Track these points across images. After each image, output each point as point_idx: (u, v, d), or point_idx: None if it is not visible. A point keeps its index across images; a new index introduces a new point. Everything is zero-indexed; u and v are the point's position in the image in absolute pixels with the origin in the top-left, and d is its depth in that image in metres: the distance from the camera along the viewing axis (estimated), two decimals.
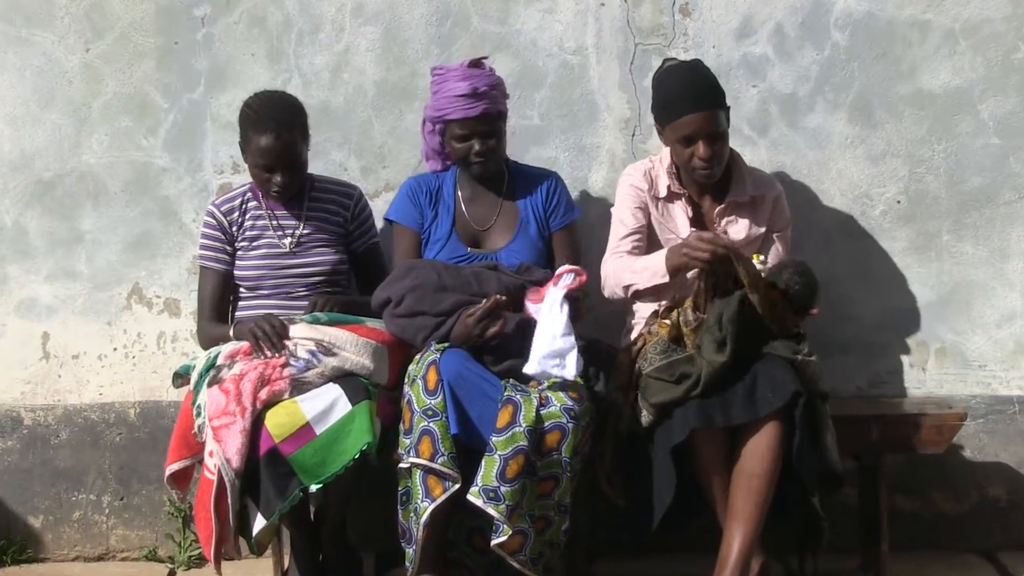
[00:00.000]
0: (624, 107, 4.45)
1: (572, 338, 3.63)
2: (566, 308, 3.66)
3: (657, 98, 3.97)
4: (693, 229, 3.98)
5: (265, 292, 4.10)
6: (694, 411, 3.60)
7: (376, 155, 4.49)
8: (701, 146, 3.86)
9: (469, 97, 3.95)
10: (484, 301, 3.76)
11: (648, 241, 4.03)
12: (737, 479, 3.66)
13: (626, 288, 3.92)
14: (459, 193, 4.13)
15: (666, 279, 3.83)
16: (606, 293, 4.01)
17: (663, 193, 4.03)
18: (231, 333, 3.96)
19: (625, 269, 3.94)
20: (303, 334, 3.80)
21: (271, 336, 3.79)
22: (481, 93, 3.96)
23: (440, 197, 4.13)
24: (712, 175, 3.94)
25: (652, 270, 3.86)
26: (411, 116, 4.46)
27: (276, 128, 3.96)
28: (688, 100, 3.86)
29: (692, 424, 3.60)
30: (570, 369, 3.61)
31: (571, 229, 4.15)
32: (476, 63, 4.04)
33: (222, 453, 3.64)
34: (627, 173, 4.11)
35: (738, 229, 4.03)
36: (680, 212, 4.03)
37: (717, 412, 3.62)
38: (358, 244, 4.18)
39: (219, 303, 4.12)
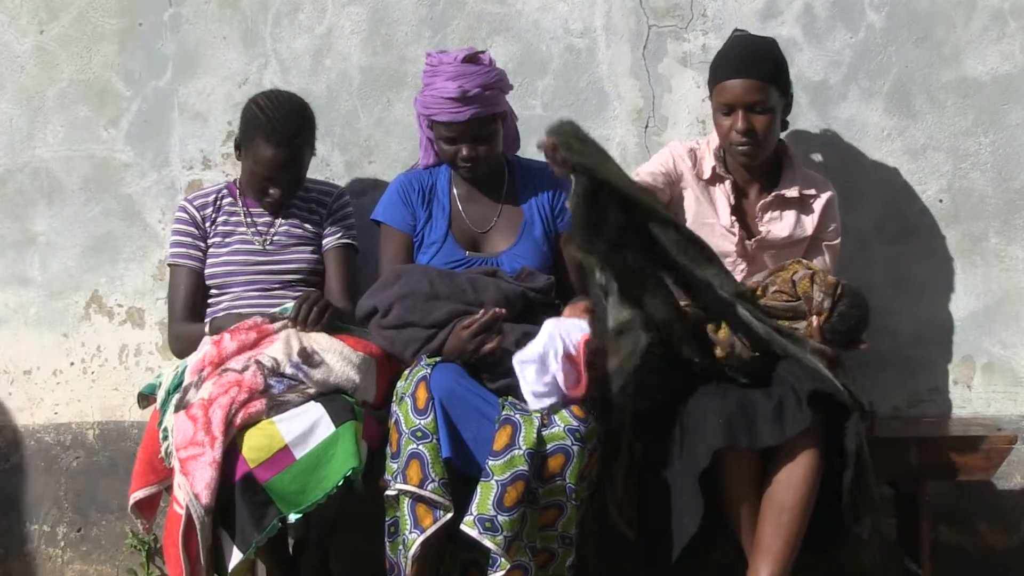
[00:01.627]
0: (636, 96, 4.50)
1: (554, 397, 3.68)
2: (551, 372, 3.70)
3: (712, 63, 4.08)
4: (733, 218, 4.06)
5: (236, 290, 4.15)
6: (718, 431, 3.63)
7: (362, 149, 4.53)
8: (739, 116, 3.94)
9: (457, 101, 3.96)
10: (481, 313, 3.79)
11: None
12: (766, 509, 3.69)
13: None
14: (455, 191, 4.16)
15: None
16: None
17: (707, 174, 4.10)
18: (206, 331, 4.00)
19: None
20: (281, 349, 3.84)
21: (312, 308, 3.89)
22: (472, 96, 3.96)
23: (434, 196, 4.16)
24: (751, 153, 4.00)
25: None
26: (400, 106, 4.50)
27: (288, 142, 4.03)
28: (732, 64, 3.96)
29: (716, 444, 3.62)
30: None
31: None
32: (472, 58, 4.02)
33: (190, 488, 3.66)
34: (671, 146, 4.20)
35: (781, 227, 4.09)
36: (722, 197, 4.10)
37: (743, 432, 3.64)
38: (326, 241, 4.23)
39: (192, 305, 4.16)
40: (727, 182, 4.09)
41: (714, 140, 4.13)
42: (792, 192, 4.08)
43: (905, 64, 4.46)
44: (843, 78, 4.46)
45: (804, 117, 4.47)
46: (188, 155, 4.54)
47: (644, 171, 4.14)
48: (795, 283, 3.80)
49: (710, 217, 4.09)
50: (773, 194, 4.08)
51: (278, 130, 4.02)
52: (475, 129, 4.00)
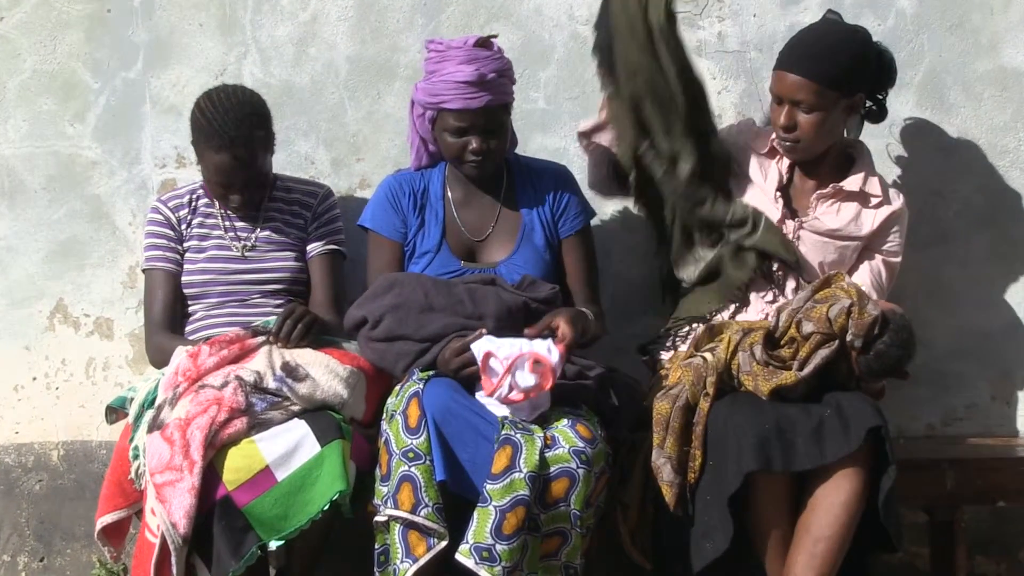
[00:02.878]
0: None
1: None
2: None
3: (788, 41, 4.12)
4: (778, 194, 4.09)
5: (214, 300, 4.16)
6: (750, 452, 3.63)
7: (349, 145, 4.54)
8: (784, 110, 3.98)
9: (473, 85, 3.94)
10: (476, 333, 3.79)
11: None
12: (800, 538, 3.70)
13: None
14: (449, 194, 4.17)
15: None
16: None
17: (764, 149, 4.14)
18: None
19: None
20: (263, 363, 3.85)
21: (297, 324, 3.90)
22: (488, 81, 3.95)
23: (427, 200, 4.16)
24: (792, 149, 4.04)
25: None
26: (391, 99, 4.51)
27: (232, 145, 4.02)
28: (792, 55, 3.99)
29: (748, 467, 3.63)
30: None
31: (584, 235, 4.19)
32: (484, 42, 4.01)
33: (167, 516, 3.66)
34: (751, 118, 4.27)
35: (834, 219, 4.10)
36: (773, 172, 4.13)
37: (777, 453, 3.64)
38: (312, 247, 4.23)
39: (171, 311, 4.17)
40: (783, 160, 4.13)
41: None
42: (853, 186, 4.10)
43: (938, 53, 4.47)
44: None
45: None
46: (161, 152, 4.55)
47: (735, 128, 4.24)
48: (831, 320, 3.78)
49: (755, 186, 4.12)
50: (833, 186, 4.10)
51: (221, 134, 4.00)
52: (487, 119, 3.98)
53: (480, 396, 3.77)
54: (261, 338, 3.95)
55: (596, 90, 4.46)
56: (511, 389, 3.70)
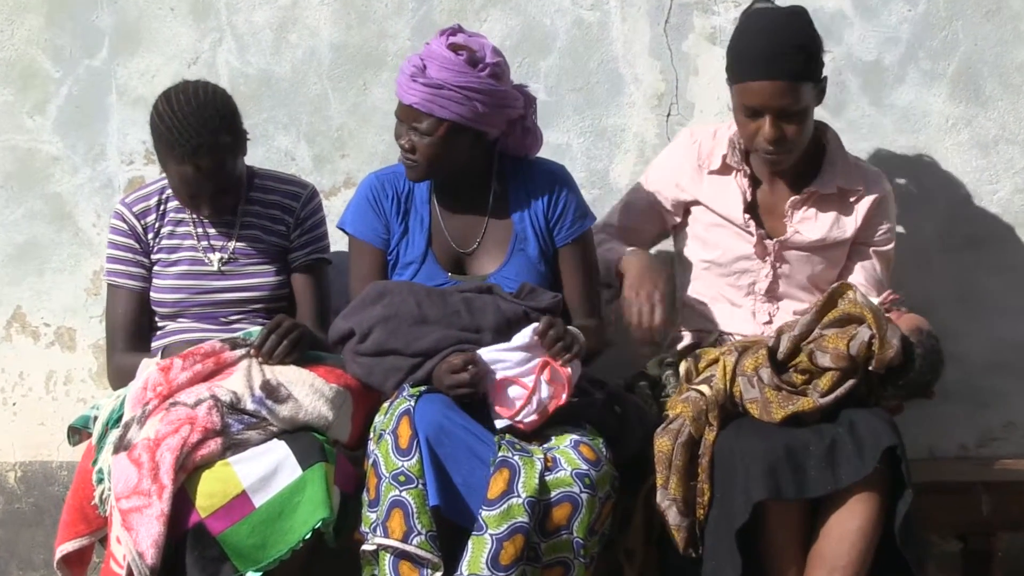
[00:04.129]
0: (656, 78, 4.51)
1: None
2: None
3: (730, 45, 4.02)
4: (747, 216, 4.06)
5: (186, 321, 4.14)
6: (760, 480, 3.63)
7: (333, 141, 4.54)
8: (767, 124, 3.91)
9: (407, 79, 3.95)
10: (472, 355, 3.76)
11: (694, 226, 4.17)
12: (814, 568, 3.70)
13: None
14: (436, 199, 4.15)
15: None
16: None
17: (716, 165, 4.10)
18: (158, 360, 3.96)
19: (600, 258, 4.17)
20: (241, 382, 3.84)
21: (283, 339, 3.88)
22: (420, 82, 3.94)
23: (411, 205, 4.14)
24: (780, 162, 4.00)
25: (607, 261, 4.11)
26: (379, 90, 4.50)
27: (196, 155, 3.93)
28: (759, 61, 3.90)
29: (757, 496, 3.63)
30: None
31: (583, 243, 4.14)
32: (456, 47, 3.94)
33: (133, 546, 3.64)
34: (691, 130, 4.21)
35: (814, 228, 4.08)
36: (733, 189, 4.09)
37: (788, 480, 3.64)
38: (294, 257, 4.20)
39: (136, 329, 4.15)
40: (739, 174, 4.09)
41: (733, 127, 4.10)
42: (830, 188, 4.08)
43: (974, 42, 4.48)
44: (900, 58, 4.49)
45: (854, 103, 4.49)
46: (128, 147, 4.55)
47: (635, 197, 4.22)
48: (852, 357, 3.75)
49: (718, 218, 4.09)
50: (807, 191, 4.07)
51: (182, 143, 3.91)
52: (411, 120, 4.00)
53: (498, 422, 3.75)
54: (240, 352, 3.93)
55: (601, 81, 4.49)
56: (539, 405, 3.73)
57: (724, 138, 4.11)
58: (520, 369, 3.76)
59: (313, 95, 4.53)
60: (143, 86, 4.50)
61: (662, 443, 3.78)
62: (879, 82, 4.49)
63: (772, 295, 4.10)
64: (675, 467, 3.74)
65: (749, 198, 4.08)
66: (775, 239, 4.08)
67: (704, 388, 3.80)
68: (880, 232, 4.14)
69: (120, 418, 3.86)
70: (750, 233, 4.07)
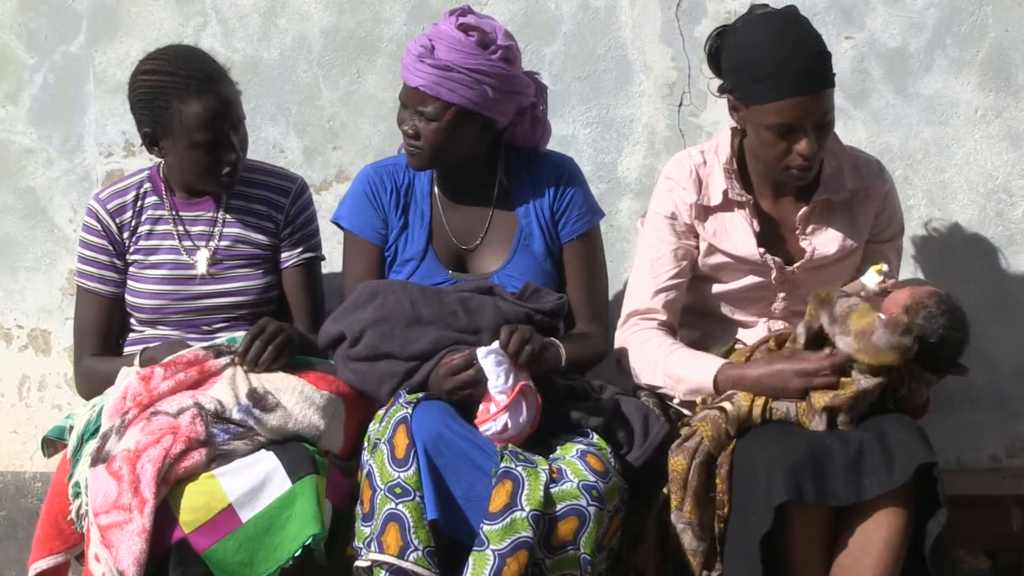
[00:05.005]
0: (668, 66, 4.51)
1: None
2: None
3: (738, 63, 3.91)
4: (761, 250, 4.02)
5: (165, 329, 4.13)
6: (781, 482, 3.62)
7: (324, 131, 4.54)
8: (805, 141, 3.85)
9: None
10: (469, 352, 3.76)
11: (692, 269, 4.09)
12: None
13: (651, 387, 3.99)
14: (437, 191, 4.15)
15: (711, 396, 3.89)
16: (621, 370, 4.07)
17: (716, 200, 4.06)
18: (136, 363, 3.96)
19: (651, 362, 3.97)
20: (226, 390, 3.83)
21: (268, 345, 3.85)
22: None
23: (411, 198, 4.14)
24: (808, 176, 3.95)
25: (694, 384, 3.90)
26: (373, 78, 4.51)
27: (212, 85, 3.94)
28: (792, 76, 3.82)
29: (778, 498, 3.62)
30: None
31: (590, 239, 4.16)
32: (467, 27, 3.95)
33: (113, 564, 3.63)
34: (666, 175, 4.10)
35: (828, 240, 4.05)
36: (742, 226, 4.05)
37: (809, 484, 3.63)
38: (285, 257, 4.19)
39: (106, 334, 4.14)
40: (745, 208, 4.04)
41: (724, 147, 4.06)
42: (842, 195, 4.04)
43: (1005, 27, 4.47)
44: (926, 44, 4.48)
45: (877, 93, 4.49)
46: (107, 138, 4.55)
47: (653, 250, 4.06)
48: (879, 347, 3.72)
49: (722, 256, 4.05)
50: (817, 200, 4.04)
51: (196, 76, 3.94)
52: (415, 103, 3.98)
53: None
54: (225, 360, 3.91)
55: (608, 68, 4.49)
56: (505, 428, 3.71)
57: (716, 168, 4.06)
58: (498, 386, 3.73)
59: (303, 83, 4.53)
60: (123, 73, 4.48)
61: (677, 462, 3.77)
62: (904, 70, 4.49)
63: (788, 312, 4.08)
64: (691, 488, 3.74)
65: (758, 228, 4.05)
66: (794, 265, 4.06)
67: (726, 405, 3.78)
68: (892, 226, 4.13)
69: (97, 430, 3.85)
70: (768, 267, 4.05)
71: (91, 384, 4.07)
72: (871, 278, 3.86)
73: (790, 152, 3.87)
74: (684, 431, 3.82)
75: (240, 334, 3.99)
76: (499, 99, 3.94)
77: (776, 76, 3.82)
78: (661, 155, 4.41)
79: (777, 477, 3.62)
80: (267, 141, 4.51)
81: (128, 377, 3.90)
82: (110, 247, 4.12)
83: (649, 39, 4.51)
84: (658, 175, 4.11)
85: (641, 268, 4.08)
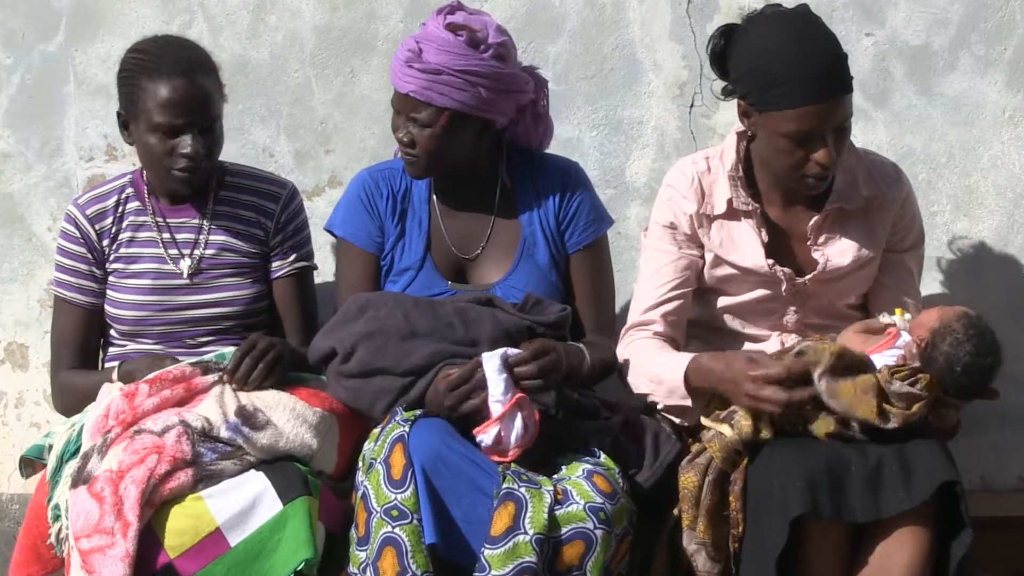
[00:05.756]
0: (678, 64, 4.52)
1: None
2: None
3: (751, 67, 3.90)
4: (770, 262, 4.01)
5: (148, 345, 4.12)
6: (797, 496, 3.62)
7: (317, 134, 4.54)
8: (823, 148, 3.84)
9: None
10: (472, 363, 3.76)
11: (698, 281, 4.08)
12: None
13: (643, 397, 3.99)
14: (436, 198, 4.15)
15: (687, 402, 3.88)
16: (624, 383, 4.06)
17: (720, 209, 4.05)
18: (114, 377, 3.96)
19: (640, 369, 3.98)
20: (214, 407, 3.82)
21: (259, 360, 3.85)
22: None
23: (408, 204, 4.14)
24: (824, 184, 3.94)
25: (670, 383, 3.90)
26: (367, 78, 4.51)
27: (183, 70, 3.96)
28: (810, 82, 3.81)
29: (793, 512, 3.62)
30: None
31: (597, 249, 4.16)
32: (456, 27, 3.94)
33: None
34: (667, 183, 4.09)
35: (841, 250, 4.04)
36: (749, 236, 4.04)
37: (826, 498, 3.64)
38: (276, 267, 4.19)
39: (83, 348, 4.14)
40: (753, 217, 4.03)
41: (729, 153, 4.05)
42: (856, 202, 4.02)
43: None
44: (951, 42, 4.49)
45: (899, 92, 4.49)
46: (87, 142, 4.55)
47: (652, 262, 4.05)
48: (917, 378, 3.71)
49: (729, 267, 4.04)
50: (829, 209, 4.02)
51: (165, 60, 3.97)
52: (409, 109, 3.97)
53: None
54: (213, 377, 3.90)
55: (616, 67, 4.49)
56: (498, 440, 3.71)
57: (721, 176, 4.04)
58: (495, 395, 3.73)
59: (294, 84, 4.54)
60: (104, 74, 4.50)
61: (688, 479, 3.76)
62: (927, 69, 4.49)
63: (800, 325, 4.07)
64: (704, 506, 3.73)
65: (767, 238, 4.04)
66: (805, 276, 4.05)
67: (724, 429, 3.78)
68: (911, 234, 4.11)
69: (78, 450, 3.84)
70: (778, 279, 4.04)
71: (67, 399, 4.07)
72: (898, 320, 3.84)
73: (807, 160, 3.86)
74: (695, 447, 3.81)
75: (229, 350, 3.98)
76: (495, 99, 3.94)
77: (793, 82, 3.81)
78: (671, 158, 4.41)
79: (793, 491, 3.62)
80: (256, 145, 4.51)
81: (111, 394, 3.89)
82: (89, 255, 4.12)
83: (659, 36, 4.51)
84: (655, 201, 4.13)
85: (642, 280, 4.09)
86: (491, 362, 3.73)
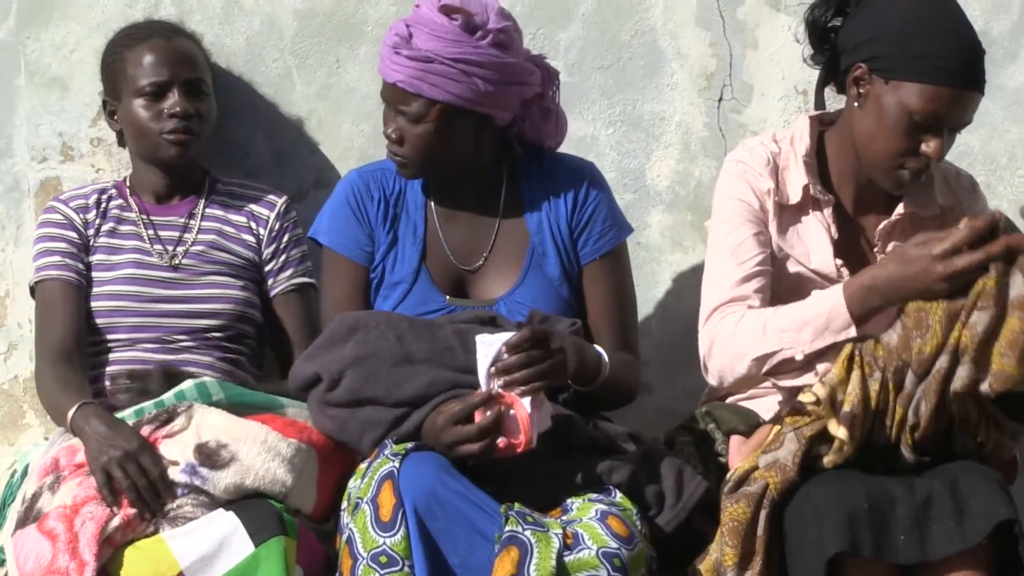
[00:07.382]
0: (705, 53, 4.51)
1: None
2: None
3: (891, 31, 3.91)
4: (838, 262, 4.00)
5: (121, 339, 4.16)
6: (834, 532, 3.61)
7: (299, 132, 4.55)
8: (937, 141, 3.87)
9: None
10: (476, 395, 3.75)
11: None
12: None
13: (762, 361, 3.91)
14: (432, 203, 4.16)
15: (850, 331, 3.81)
16: (712, 380, 4.02)
17: (796, 196, 4.04)
18: (69, 417, 3.94)
19: (757, 331, 3.89)
20: (173, 448, 3.82)
21: (150, 490, 3.81)
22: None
23: (402, 208, 4.14)
24: (915, 184, 3.97)
25: (821, 321, 3.82)
26: (355, 68, 4.51)
27: (163, 34, 4.23)
28: (958, 66, 3.86)
29: (830, 550, 3.61)
30: None
31: (615, 258, 4.15)
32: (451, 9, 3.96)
33: None
34: (736, 159, 4.07)
35: None
36: (817, 231, 4.04)
37: (867, 535, 3.63)
38: (275, 283, 4.24)
39: (76, 333, 4.16)
40: (825, 209, 4.04)
41: (804, 136, 4.05)
42: (931, 209, 4.05)
43: None
44: (1012, 28, 4.50)
45: None
46: (40, 140, 4.54)
47: (735, 236, 3.99)
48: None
49: (795, 264, 4.04)
50: (902, 214, 4.04)
51: (147, 29, 4.28)
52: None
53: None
54: (178, 424, 3.90)
55: (635, 56, 4.49)
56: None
57: (793, 162, 4.05)
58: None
59: (273, 75, 4.54)
60: (59, 64, 4.50)
61: (737, 509, 3.70)
62: (986, 58, 4.43)
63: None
64: (760, 542, 3.68)
65: (836, 235, 4.04)
66: None
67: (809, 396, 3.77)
68: None
69: (13, 494, 3.91)
70: (841, 280, 4.01)
71: (51, 396, 4.09)
72: None
73: (914, 150, 3.89)
74: (736, 474, 3.76)
75: (188, 386, 3.96)
76: (494, 92, 3.93)
77: (940, 59, 3.85)
78: (697, 158, 4.39)
79: (830, 527, 3.62)
80: (231, 143, 4.50)
81: (54, 448, 3.94)
82: (74, 236, 4.23)
83: (683, 22, 4.51)
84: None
85: (719, 258, 4.01)
86: (483, 345, 3.73)
